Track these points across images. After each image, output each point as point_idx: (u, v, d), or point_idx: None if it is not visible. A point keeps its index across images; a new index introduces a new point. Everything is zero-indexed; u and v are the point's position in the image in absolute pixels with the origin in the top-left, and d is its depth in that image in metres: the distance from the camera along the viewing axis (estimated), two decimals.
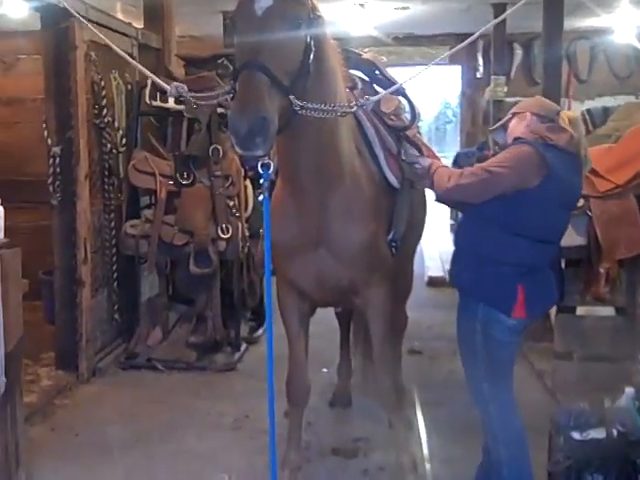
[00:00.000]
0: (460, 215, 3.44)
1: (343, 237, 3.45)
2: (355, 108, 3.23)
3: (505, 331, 3.14)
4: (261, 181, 2.89)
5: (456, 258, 3.36)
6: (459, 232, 3.37)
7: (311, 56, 2.93)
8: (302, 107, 2.87)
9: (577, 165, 3.19)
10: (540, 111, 3.24)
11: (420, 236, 4.55)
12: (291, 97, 2.81)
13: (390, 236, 3.71)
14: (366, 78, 4.08)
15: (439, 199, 3.37)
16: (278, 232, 3.35)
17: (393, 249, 3.73)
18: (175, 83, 3.44)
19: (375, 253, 3.57)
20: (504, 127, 3.39)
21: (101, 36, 4.06)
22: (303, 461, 3.99)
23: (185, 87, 3.40)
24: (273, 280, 3.29)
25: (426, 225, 4.58)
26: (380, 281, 3.65)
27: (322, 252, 3.47)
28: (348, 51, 3.84)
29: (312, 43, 2.93)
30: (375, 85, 4.11)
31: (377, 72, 4.08)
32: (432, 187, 3.31)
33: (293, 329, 3.79)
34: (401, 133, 3.92)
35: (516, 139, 3.22)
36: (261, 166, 2.85)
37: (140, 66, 3.98)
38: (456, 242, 3.36)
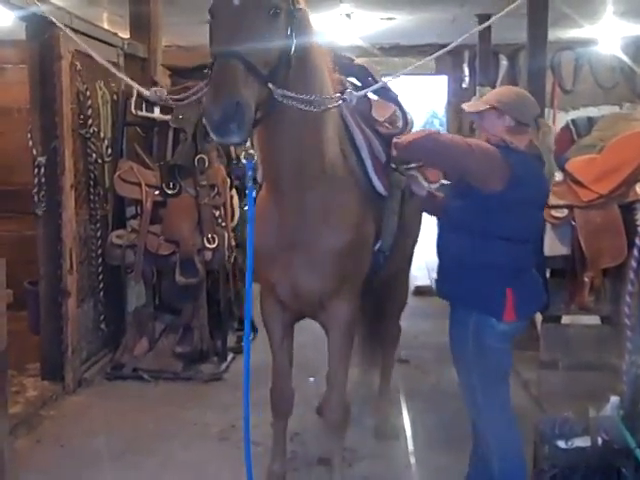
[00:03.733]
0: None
1: (317, 241, 3.35)
2: (339, 102, 3.14)
3: (497, 336, 3.16)
4: (249, 173, 2.85)
5: (440, 270, 3.36)
6: (439, 244, 3.36)
7: (292, 48, 2.88)
8: (283, 96, 2.82)
9: (540, 166, 3.22)
10: (520, 117, 3.20)
11: (414, 247, 4.52)
12: (270, 85, 2.76)
13: (377, 246, 3.65)
14: (359, 83, 3.99)
15: (400, 157, 3.45)
16: (258, 236, 3.23)
17: (382, 259, 3.69)
18: (154, 87, 3.45)
19: (350, 262, 3.45)
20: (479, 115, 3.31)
21: (83, 45, 4.05)
22: (285, 472, 3.95)
23: (164, 91, 3.38)
24: (256, 287, 3.28)
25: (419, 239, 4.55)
26: (348, 295, 3.52)
27: (297, 256, 3.38)
28: (340, 57, 3.79)
29: (293, 35, 2.88)
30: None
31: (370, 78, 3.99)
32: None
33: (276, 338, 3.74)
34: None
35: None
36: (245, 156, 2.83)
37: (114, 70, 3.99)
38: (438, 254, 3.35)
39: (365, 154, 3.59)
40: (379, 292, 4.01)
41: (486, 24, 3.98)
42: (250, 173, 2.85)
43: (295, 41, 2.89)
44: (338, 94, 3.19)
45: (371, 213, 3.58)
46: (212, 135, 2.66)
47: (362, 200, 3.52)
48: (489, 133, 3.24)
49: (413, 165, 3.69)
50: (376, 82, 3.89)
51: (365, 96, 3.87)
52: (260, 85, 2.72)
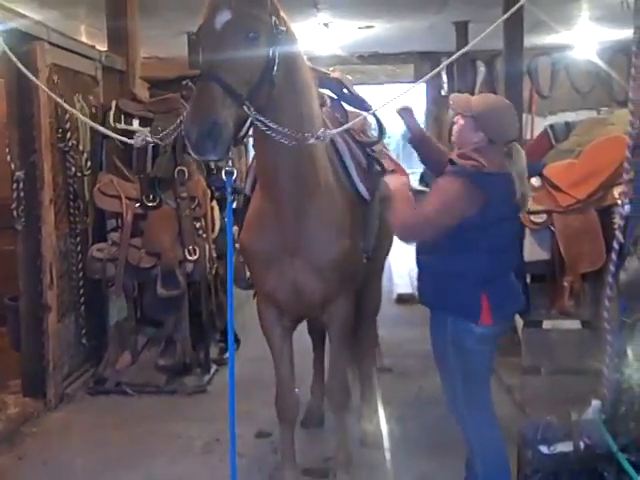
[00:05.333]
0: None
1: (319, 247, 3.53)
2: (311, 140, 3.27)
3: (475, 339, 3.22)
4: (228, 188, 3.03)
5: (420, 277, 3.43)
6: (417, 253, 3.41)
7: (274, 68, 3.02)
8: (258, 119, 2.99)
9: (511, 184, 3.23)
10: (494, 137, 3.23)
11: (388, 251, 4.65)
12: (245, 106, 2.90)
13: (362, 246, 3.85)
14: (334, 96, 4.17)
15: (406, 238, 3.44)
16: (256, 242, 3.55)
17: (365, 259, 3.89)
18: (138, 132, 3.65)
19: (348, 264, 3.66)
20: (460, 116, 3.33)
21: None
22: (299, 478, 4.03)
23: (147, 132, 3.62)
24: (237, 298, 3.31)
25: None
26: (347, 294, 3.77)
27: (298, 262, 3.54)
28: (316, 70, 3.91)
29: (276, 55, 3.02)
30: (343, 103, 4.19)
31: (345, 90, 4.17)
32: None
33: (276, 345, 3.84)
34: (368, 149, 4.04)
35: (450, 161, 3.27)
36: (225, 173, 2.99)
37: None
38: (417, 262, 3.41)
39: (349, 161, 3.78)
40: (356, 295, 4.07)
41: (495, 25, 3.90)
42: (229, 190, 3.03)
43: (277, 61, 3.03)
44: (310, 135, 3.29)
45: (358, 217, 3.78)
46: (192, 153, 2.86)
47: (351, 205, 3.71)
48: (460, 142, 3.30)
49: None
50: (351, 93, 4.12)
51: (341, 105, 4.01)
52: (238, 105, 2.87)
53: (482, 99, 3.39)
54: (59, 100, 4.41)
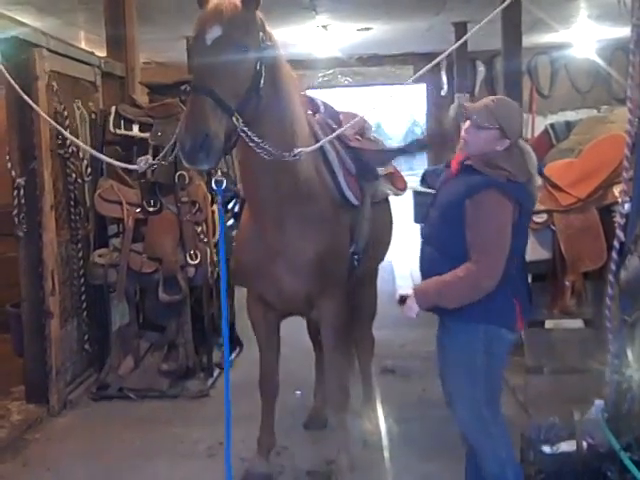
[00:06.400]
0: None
1: (298, 251, 3.71)
2: (288, 157, 3.38)
3: (507, 346, 3.23)
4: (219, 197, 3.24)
5: None
6: (424, 261, 3.29)
7: (261, 81, 3.20)
8: (243, 131, 3.13)
9: (534, 187, 3.21)
10: (515, 139, 3.14)
11: (383, 256, 4.72)
12: (234, 118, 3.06)
13: (352, 249, 3.98)
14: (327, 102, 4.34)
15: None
16: (243, 251, 3.85)
17: (355, 262, 4.01)
18: (141, 158, 3.74)
19: (330, 266, 3.80)
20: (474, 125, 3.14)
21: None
22: (274, 443, 4.26)
23: (150, 157, 3.76)
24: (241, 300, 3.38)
25: (390, 246, 4.67)
26: (333, 294, 3.91)
27: (280, 265, 3.74)
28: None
29: (263, 69, 3.20)
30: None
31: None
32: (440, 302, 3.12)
33: (262, 336, 4.12)
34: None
35: (467, 166, 3.13)
36: (214, 182, 3.16)
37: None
38: (426, 271, 3.25)
39: (337, 168, 3.91)
40: (350, 297, 4.14)
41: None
42: (220, 198, 3.25)
43: (264, 74, 3.20)
44: (289, 153, 3.40)
45: (345, 220, 3.93)
46: (184, 162, 3.04)
47: (335, 210, 3.86)
48: (480, 152, 3.12)
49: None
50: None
51: (334, 111, 4.29)
52: (228, 117, 3.05)
53: (502, 106, 3.17)
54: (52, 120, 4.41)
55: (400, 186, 4.72)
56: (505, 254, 3.03)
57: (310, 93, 4.87)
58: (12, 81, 4.06)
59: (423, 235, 3.36)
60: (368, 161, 4.16)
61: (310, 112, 3.93)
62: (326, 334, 4.02)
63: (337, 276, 3.90)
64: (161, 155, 3.70)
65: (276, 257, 3.72)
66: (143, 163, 3.65)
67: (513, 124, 3.13)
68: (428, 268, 3.23)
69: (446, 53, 3.64)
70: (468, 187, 3.08)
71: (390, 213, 4.64)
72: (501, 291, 3.08)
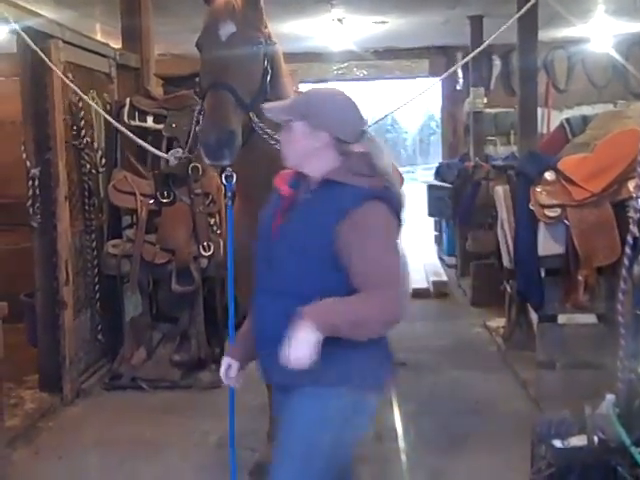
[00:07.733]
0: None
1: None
2: None
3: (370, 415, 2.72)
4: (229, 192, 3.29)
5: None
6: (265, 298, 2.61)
7: (268, 77, 3.24)
8: (261, 127, 3.16)
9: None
10: (342, 135, 2.51)
11: None
12: (251, 114, 3.11)
13: None
14: None
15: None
16: (236, 243, 3.71)
17: None
18: (172, 150, 4.00)
19: None
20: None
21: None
22: None
23: (180, 151, 3.95)
24: None
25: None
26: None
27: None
28: None
29: (269, 66, 3.24)
30: None
31: None
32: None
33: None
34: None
35: (325, 182, 2.50)
36: (225, 178, 3.22)
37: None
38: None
39: None
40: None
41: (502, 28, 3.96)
42: (230, 194, 3.28)
43: (270, 71, 3.25)
44: None
45: None
46: (206, 159, 3.02)
47: None
48: (294, 155, 2.58)
49: None
50: None
51: None
52: (244, 114, 3.08)
53: (304, 96, 2.69)
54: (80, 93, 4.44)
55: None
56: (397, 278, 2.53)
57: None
58: (32, 44, 4.06)
59: (265, 289, 2.59)
60: None
61: None
62: None
63: None
64: (186, 149, 3.72)
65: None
66: (174, 157, 3.70)
67: (323, 112, 2.48)
68: (282, 332, 2.32)
69: (473, 54, 3.62)
70: (338, 206, 2.41)
71: None
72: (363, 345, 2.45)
